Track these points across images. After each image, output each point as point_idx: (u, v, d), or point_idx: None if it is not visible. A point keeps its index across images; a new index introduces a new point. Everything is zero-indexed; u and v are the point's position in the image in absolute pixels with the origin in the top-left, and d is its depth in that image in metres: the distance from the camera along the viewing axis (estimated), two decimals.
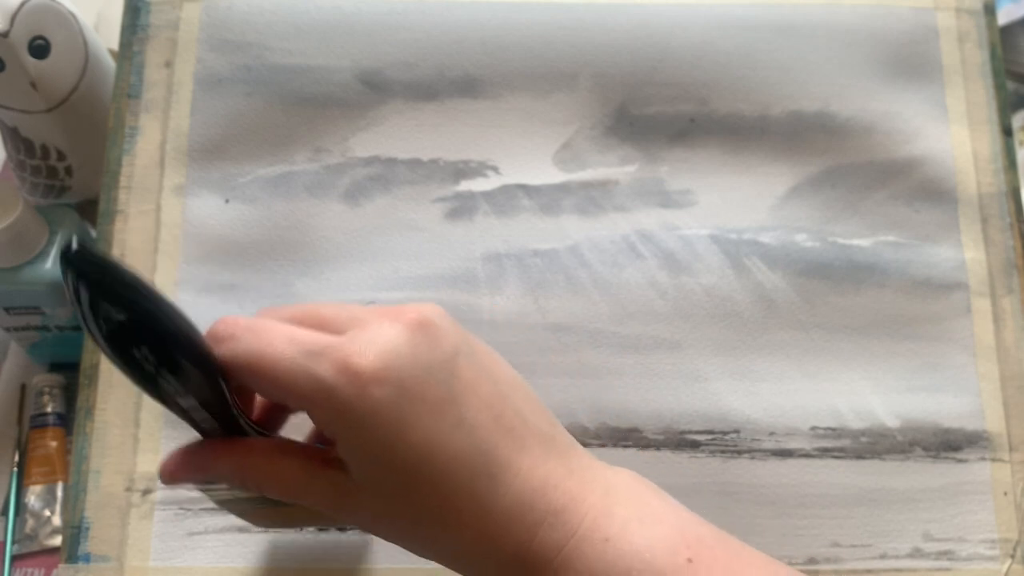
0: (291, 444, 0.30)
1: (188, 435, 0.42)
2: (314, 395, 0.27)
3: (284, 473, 0.29)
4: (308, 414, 0.28)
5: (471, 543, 0.28)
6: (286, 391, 0.27)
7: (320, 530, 0.40)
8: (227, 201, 0.44)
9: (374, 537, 0.40)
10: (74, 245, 0.23)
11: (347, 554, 0.40)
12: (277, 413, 0.33)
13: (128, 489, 0.41)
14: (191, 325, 0.27)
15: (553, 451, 0.29)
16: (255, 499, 0.32)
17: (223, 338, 0.28)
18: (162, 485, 0.41)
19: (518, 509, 0.28)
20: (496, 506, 0.27)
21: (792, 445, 0.41)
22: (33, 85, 0.48)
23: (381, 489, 0.28)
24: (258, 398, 0.33)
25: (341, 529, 0.40)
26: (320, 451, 0.30)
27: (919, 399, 0.42)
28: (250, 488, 0.30)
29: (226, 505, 0.34)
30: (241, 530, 0.40)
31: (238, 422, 0.30)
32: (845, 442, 0.42)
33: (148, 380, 0.26)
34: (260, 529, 0.40)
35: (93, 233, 0.49)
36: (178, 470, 0.30)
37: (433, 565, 0.39)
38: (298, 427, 0.33)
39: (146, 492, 0.41)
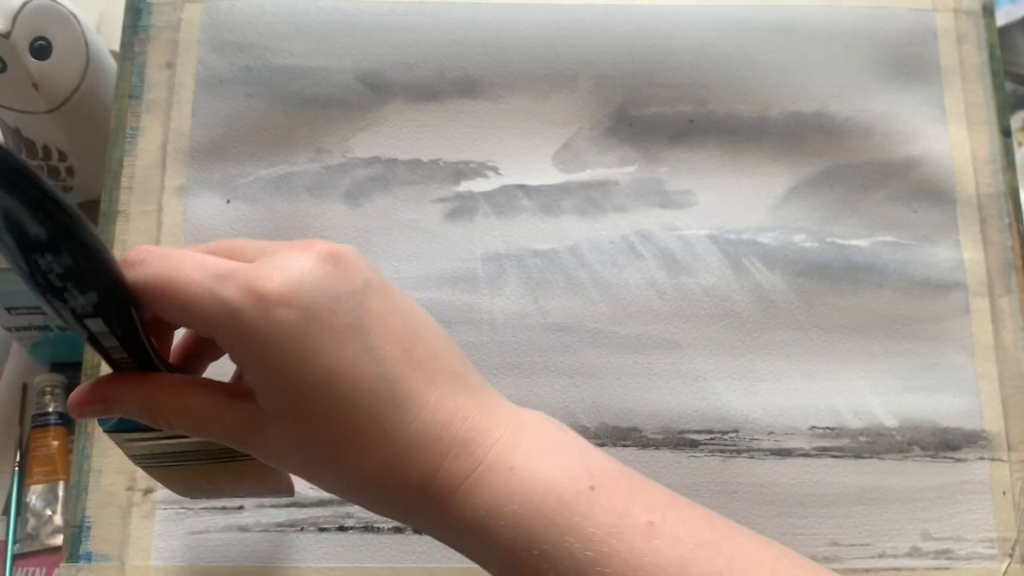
0: (201, 379, 0.30)
1: None
2: (219, 317, 0.27)
3: (192, 405, 0.29)
4: (216, 340, 0.28)
5: (376, 472, 0.28)
6: (193, 314, 0.27)
7: (321, 530, 0.40)
8: (228, 201, 0.45)
9: (375, 537, 0.40)
10: None
11: (348, 553, 0.40)
12: (196, 358, 0.33)
13: (129, 488, 0.41)
14: (102, 243, 0.27)
15: (463, 388, 0.29)
16: (174, 455, 0.32)
17: (134, 263, 0.28)
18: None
19: (424, 439, 0.28)
20: (401, 435, 0.28)
21: (791, 444, 0.42)
22: (35, 86, 0.48)
23: (286, 415, 0.28)
24: (177, 343, 0.33)
25: (341, 528, 0.40)
26: (230, 385, 0.30)
27: (918, 399, 0.43)
28: (158, 423, 0.29)
29: (145, 463, 0.34)
30: (242, 529, 0.40)
31: (151, 358, 0.29)
32: (844, 441, 0.42)
33: (56, 295, 0.26)
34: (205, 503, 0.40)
35: None
36: (87, 402, 0.30)
37: (434, 564, 0.40)
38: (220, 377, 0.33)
39: (147, 491, 0.41)
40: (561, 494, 0.27)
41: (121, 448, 0.33)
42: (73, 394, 0.30)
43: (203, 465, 0.33)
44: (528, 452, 0.28)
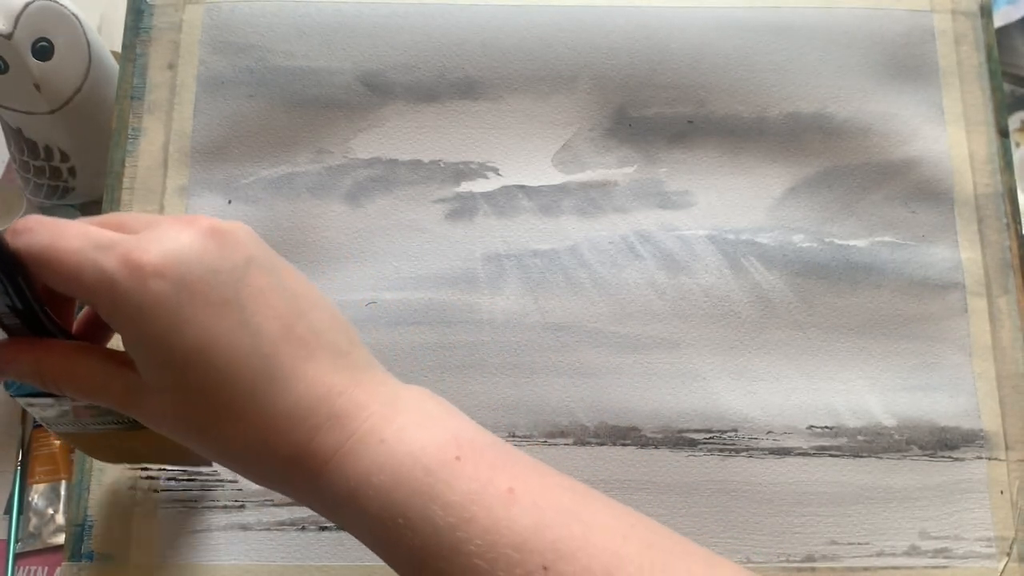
0: (91, 346, 0.31)
1: None
2: (96, 285, 0.27)
3: (81, 371, 0.30)
4: (94, 307, 0.28)
5: (250, 443, 0.28)
6: (72, 281, 0.28)
7: (323, 529, 0.41)
8: (230, 202, 0.45)
9: None
10: None
11: (349, 552, 0.40)
12: (97, 331, 0.34)
13: (131, 487, 0.41)
14: None
15: (344, 364, 0.30)
16: (84, 422, 0.33)
17: (21, 231, 0.28)
18: (167, 481, 0.41)
19: (298, 412, 0.28)
20: (276, 408, 0.28)
21: (789, 444, 0.42)
22: (37, 87, 0.48)
23: (163, 385, 0.28)
24: (81, 318, 0.33)
25: (341, 528, 0.40)
26: (118, 352, 0.30)
27: (916, 398, 0.43)
28: (48, 386, 0.30)
29: (59, 427, 0.35)
30: (244, 528, 0.41)
31: (44, 324, 0.30)
32: (842, 441, 0.42)
33: None
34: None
35: None
36: None
37: None
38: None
39: (149, 490, 0.41)
40: (427, 464, 0.28)
41: (31, 413, 0.34)
42: None
43: (112, 431, 0.33)
44: (401, 425, 0.29)
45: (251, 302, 0.28)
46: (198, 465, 0.38)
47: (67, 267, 0.28)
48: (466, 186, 0.45)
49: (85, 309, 0.33)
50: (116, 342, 0.33)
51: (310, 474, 0.29)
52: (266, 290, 0.29)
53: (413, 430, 0.29)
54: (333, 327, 0.30)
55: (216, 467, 0.41)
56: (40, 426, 0.52)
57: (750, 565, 0.40)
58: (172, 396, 0.28)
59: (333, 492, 0.28)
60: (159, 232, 0.28)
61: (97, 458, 0.37)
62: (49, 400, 0.33)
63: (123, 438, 0.34)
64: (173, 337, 0.27)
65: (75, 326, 0.33)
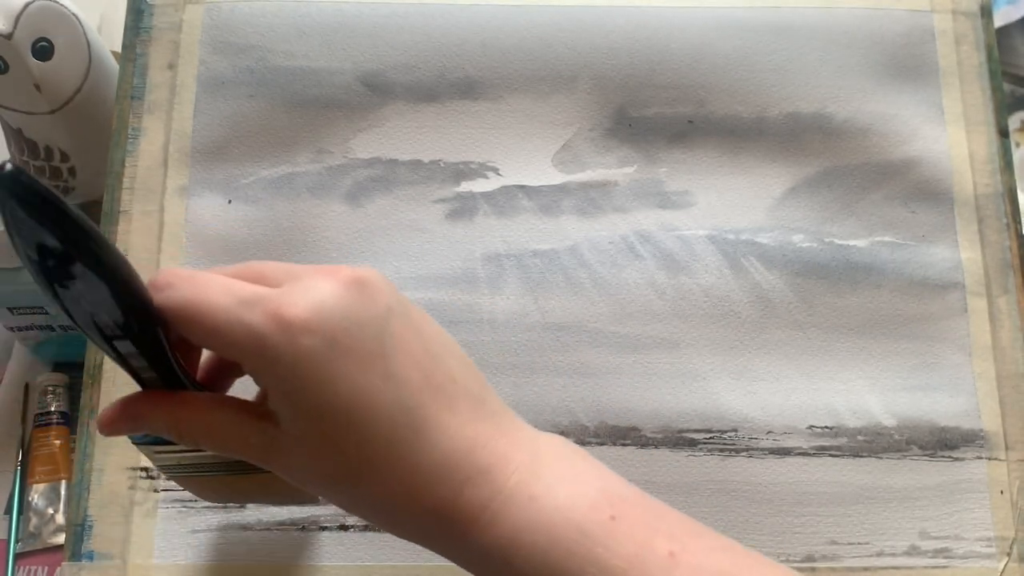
0: (227, 398, 0.30)
1: None
2: (245, 343, 0.27)
3: (217, 425, 0.29)
4: (241, 364, 0.28)
5: (396, 498, 0.28)
6: (219, 339, 0.27)
7: (322, 529, 0.41)
8: (230, 202, 0.45)
9: (376, 535, 0.40)
10: (8, 167, 0.23)
11: (349, 552, 0.40)
12: (222, 375, 0.33)
13: (131, 487, 0.41)
14: (130, 268, 0.27)
15: (483, 412, 0.29)
16: (202, 466, 0.32)
17: (161, 286, 0.28)
18: (166, 482, 0.41)
19: (444, 466, 0.28)
20: (421, 462, 0.28)
21: (789, 444, 0.42)
22: (37, 87, 0.48)
23: (308, 440, 0.28)
24: (204, 361, 0.33)
25: (342, 527, 0.41)
26: (255, 405, 0.30)
27: (916, 398, 0.43)
28: (185, 441, 0.30)
29: (173, 472, 0.34)
30: (243, 528, 0.41)
31: (177, 375, 0.30)
32: (842, 441, 0.42)
33: (85, 318, 0.26)
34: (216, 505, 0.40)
35: None
36: (115, 420, 0.30)
37: (434, 563, 0.40)
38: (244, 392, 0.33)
39: (149, 490, 0.41)
40: (581, 524, 0.27)
41: (149, 459, 0.34)
42: (102, 413, 0.30)
43: (229, 476, 0.33)
44: (549, 481, 0.28)
45: (394, 353, 0.28)
46: (303, 504, 0.38)
47: (213, 324, 0.27)
48: (466, 186, 0.45)
49: (207, 356, 0.33)
50: (238, 388, 0.33)
51: (458, 531, 0.28)
52: (406, 339, 0.28)
53: (562, 486, 0.28)
54: (466, 372, 0.30)
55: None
56: (39, 426, 0.52)
57: None
58: (317, 451, 0.28)
59: (482, 550, 0.28)
60: (303, 285, 0.28)
61: (202, 497, 0.37)
62: (172, 448, 0.32)
63: (236, 480, 0.33)
64: (323, 393, 0.27)
65: (198, 372, 0.33)
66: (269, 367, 0.27)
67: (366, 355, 0.27)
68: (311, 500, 0.36)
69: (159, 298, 0.28)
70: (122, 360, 0.29)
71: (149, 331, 0.28)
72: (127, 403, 0.30)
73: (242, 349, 0.27)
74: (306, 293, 0.27)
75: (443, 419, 0.28)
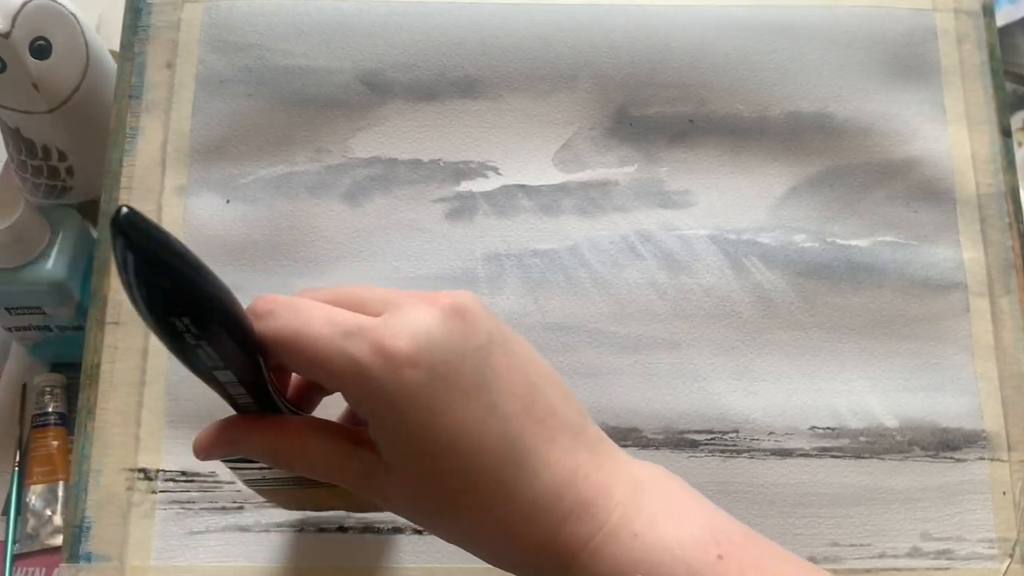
0: (323, 423, 0.30)
1: (189, 435, 0.42)
2: (349, 375, 0.27)
3: (315, 451, 0.29)
4: (342, 394, 0.28)
5: (497, 531, 0.28)
6: (322, 369, 0.27)
7: (321, 530, 0.40)
8: (228, 201, 0.45)
9: (374, 537, 0.40)
10: (123, 210, 0.23)
11: (348, 553, 0.40)
12: (311, 393, 0.33)
13: (129, 488, 0.41)
14: (234, 299, 0.27)
15: (583, 443, 0.29)
16: (285, 480, 0.32)
17: (262, 314, 0.28)
18: (166, 482, 0.41)
19: (546, 500, 0.28)
20: (524, 495, 0.27)
21: (791, 445, 0.42)
22: (35, 86, 0.48)
23: (410, 472, 0.28)
24: (293, 378, 0.33)
25: (341, 529, 0.40)
26: (352, 431, 0.30)
27: (918, 399, 0.42)
28: (281, 465, 0.30)
29: (255, 485, 0.35)
30: (242, 529, 0.40)
31: (273, 399, 0.30)
32: (844, 442, 0.42)
33: (188, 352, 0.26)
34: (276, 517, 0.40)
35: (94, 233, 0.49)
36: (211, 445, 0.30)
37: (434, 564, 0.40)
38: (329, 407, 0.33)
39: (150, 491, 0.41)
40: (689, 563, 0.27)
41: (233, 473, 0.34)
42: (198, 437, 0.30)
43: (312, 489, 0.33)
44: (652, 516, 0.28)
45: (496, 384, 0.28)
46: (381, 511, 0.38)
47: (315, 355, 0.27)
48: (466, 185, 0.45)
49: (296, 377, 0.33)
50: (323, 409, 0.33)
51: (560, 565, 0.28)
52: (507, 368, 0.28)
53: (666, 522, 0.28)
54: (565, 400, 0.30)
55: (214, 468, 0.41)
56: (37, 427, 0.52)
57: None
58: (418, 483, 0.28)
59: None
60: (405, 315, 0.27)
61: (280, 506, 0.37)
62: (255, 464, 0.32)
63: (320, 494, 0.33)
64: (427, 427, 0.27)
65: (288, 390, 0.33)
66: (372, 399, 0.27)
67: (469, 387, 0.27)
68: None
69: (260, 327, 0.28)
70: (219, 387, 0.29)
71: (250, 361, 0.28)
72: (225, 428, 0.30)
73: (345, 381, 0.27)
74: (408, 324, 0.27)
75: (545, 451, 0.28)
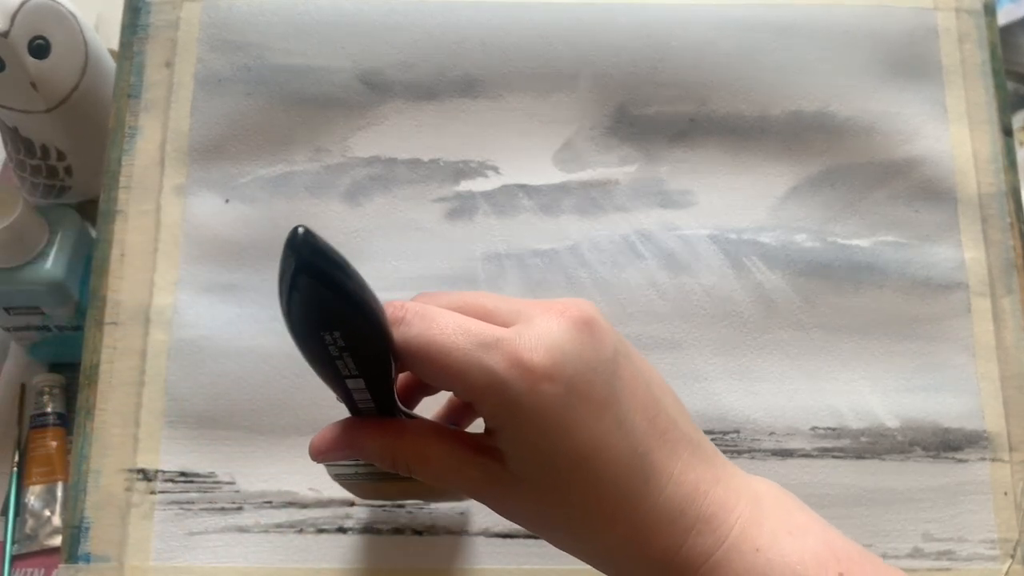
0: (444, 429, 0.30)
1: (188, 435, 0.42)
2: (486, 387, 0.27)
3: (436, 458, 0.29)
4: (474, 404, 0.28)
5: (621, 545, 0.28)
6: (457, 380, 0.27)
7: (320, 531, 0.40)
8: (227, 201, 0.44)
9: (374, 538, 0.40)
10: (299, 229, 0.23)
11: (347, 554, 0.40)
12: (414, 392, 0.33)
13: (128, 489, 0.41)
14: (382, 310, 0.27)
15: (701, 456, 0.29)
16: (379, 475, 0.32)
17: (393, 322, 0.28)
18: (165, 483, 0.41)
19: (669, 514, 0.28)
20: (648, 509, 0.28)
21: (792, 445, 0.42)
22: (33, 85, 0.48)
23: (538, 484, 0.28)
24: (399, 378, 0.33)
25: (340, 530, 0.40)
26: (473, 437, 0.30)
27: (919, 399, 0.42)
28: (399, 469, 0.30)
29: (342, 479, 0.35)
30: (241, 530, 0.40)
31: (392, 403, 0.30)
32: (845, 442, 0.42)
33: (327, 362, 0.27)
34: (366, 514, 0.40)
35: (93, 233, 0.49)
36: (332, 447, 0.30)
37: (433, 565, 0.40)
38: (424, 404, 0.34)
39: (149, 491, 0.41)
40: None
41: (327, 469, 0.34)
42: (317, 439, 0.30)
43: (401, 482, 0.33)
44: (773, 532, 0.28)
45: (624, 397, 0.28)
46: (459, 500, 0.38)
47: (451, 365, 0.27)
48: (466, 185, 0.45)
49: (402, 376, 0.33)
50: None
51: None
52: (632, 382, 0.28)
53: (786, 538, 0.28)
54: (681, 411, 0.30)
55: (213, 469, 0.41)
56: (37, 427, 0.52)
57: None
58: (544, 495, 0.28)
59: None
60: (538, 327, 0.27)
61: (364, 498, 0.37)
62: (354, 462, 0.32)
63: (407, 486, 0.33)
64: (562, 441, 0.27)
65: (440, 412, 0.33)
66: (508, 412, 0.27)
67: (600, 401, 0.27)
68: (463, 497, 0.36)
69: (394, 334, 0.28)
70: (344, 392, 0.29)
71: (384, 370, 0.28)
72: (344, 431, 0.30)
73: (481, 393, 0.27)
74: (543, 337, 0.27)
75: (668, 465, 0.28)
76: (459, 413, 0.34)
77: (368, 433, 0.30)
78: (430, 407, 0.34)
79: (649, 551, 0.28)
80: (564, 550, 0.30)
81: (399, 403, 0.30)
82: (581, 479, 0.27)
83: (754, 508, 0.29)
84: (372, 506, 0.40)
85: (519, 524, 0.30)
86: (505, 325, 0.28)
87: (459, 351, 0.27)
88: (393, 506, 0.40)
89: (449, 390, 0.29)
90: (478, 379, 0.27)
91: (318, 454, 0.30)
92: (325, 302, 0.24)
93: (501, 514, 0.30)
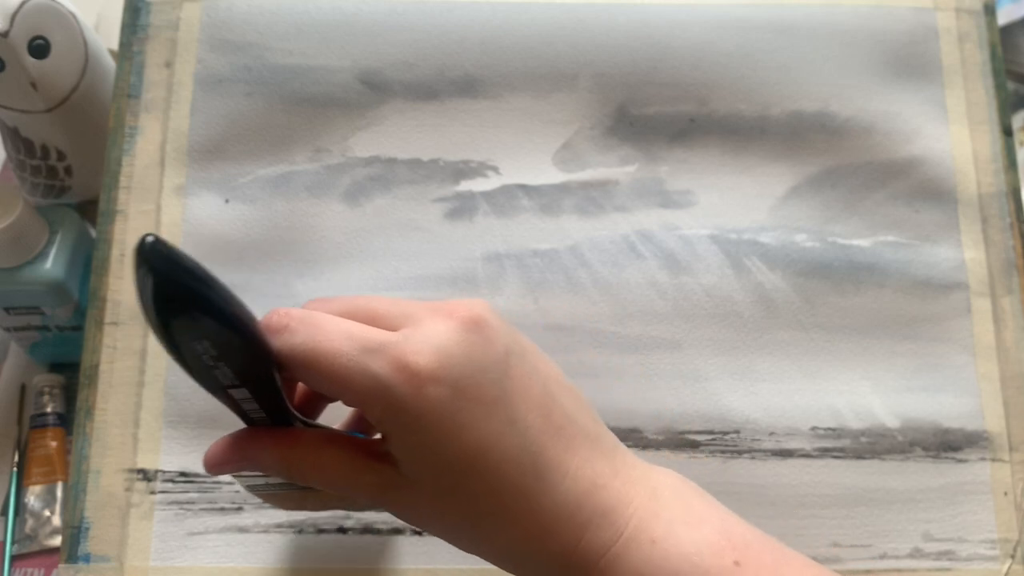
0: (338, 435, 0.30)
1: (188, 435, 0.42)
2: (371, 393, 0.27)
3: (330, 465, 0.29)
4: (363, 410, 0.28)
5: (518, 542, 0.28)
6: (342, 387, 0.27)
7: (320, 531, 0.40)
8: (227, 201, 0.44)
9: (374, 538, 0.40)
10: (149, 239, 0.23)
11: (347, 554, 0.40)
12: (316, 401, 0.33)
13: (128, 489, 0.41)
14: (252, 318, 0.27)
15: (599, 450, 0.29)
16: (289, 484, 0.32)
17: (278, 329, 0.28)
18: (164, 483, 0.41)
19: (566, 509, 0.28)
20: (544, 506, 0.28)
21: (792, 445, 0.41)
22: (33, 85, 0.48)
23: (431, 486, 0.28)
24: (299, 387, 0.33)
25: (340, 531, 0.40)
26: (367, 443, 0.30)
27: (919, 399, 0.42)
28: (295, 479, 0.30)
29: (255, 490, 0.34)
30: (241, 530, 0.40)
31: (285, 412, 0.30)
32: (845, 442, 0.42)
33: (204, 372, 0.26)
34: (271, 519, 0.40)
35: (93, 233, 0.49)
36: (225, 460, 0.30)
37: (433, 565, 0.40)
38: (332, 413, 0.33)
39: (149, 492, 0.41)
40: (707, 569, 0.27)
41: (236, 480, 0.34)
42: (209, 452, 0.30)
43: (314, 491, 0.33)
44: (670, 522, 0.28)
45: (515, 396, 0.28)
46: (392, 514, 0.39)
47: (335, 371, 0.27)
48: (466, 185, 0.45)
49: (303, 386, 0.32)
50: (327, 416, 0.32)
51: (580, 573, 0.28)
52: (525, 380, 0.28)
53: (683, 528, 0.28)
54: (580, 408, 0.30)
55: None
56: (36, 427, 0.52)
57: None
58: (438, 496, 0.28)
59: None
60: (424, 330, 0.27)
61: (281, 508, 0.37)
62: (258, 474, 0.32)
63: (317, 494, 0.33)
64: (451, 443, 0.27)
65: (347, 420, 0.33)
66: (395, 417, 0.27)
67: (490, 401, 0.27)
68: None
69: (277, 343, 0.28)
70: (232, 402, 0.28)
71: (266, 378, 0.28)
72: (237, 442, 0.30)
73: (366, 398, 0.27)
74: (429, 339, 0.27)
75: (564, 461, 0.28)
76: (364, 420, 0.34)
77: (261, 444, 0.30)
78: (339, 415, 0.33)
79: (548, 547, 0.28)
80: (466, 551, 0.30)
81: (295, 411, 0.30)
82: (473, 480, 0.27)
83: (652, 500, 0.29)
84: (298, 515, 0.40)
85: (420, 527, 0.30)
86: (394, 329, 0.28)
87: (343, 357, 0.27)
88: (317, 517, 0.40)
89: (337, 398, 0.28)
90: (363, 385, 0.27)
91: (211, 467, 0.30)
92: (184, 311, 0.24)
93: (402, 519, 0.30)
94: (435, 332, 0.27)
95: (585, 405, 0.30)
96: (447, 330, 0.27)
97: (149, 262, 0.23)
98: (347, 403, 0.28)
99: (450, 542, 0.30)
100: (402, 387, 0.26)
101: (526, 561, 0.29)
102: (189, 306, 0.24)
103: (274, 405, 0.29)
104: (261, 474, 0.32)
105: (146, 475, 0.41)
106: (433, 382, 0.26)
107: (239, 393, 0.28)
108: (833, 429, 0.42)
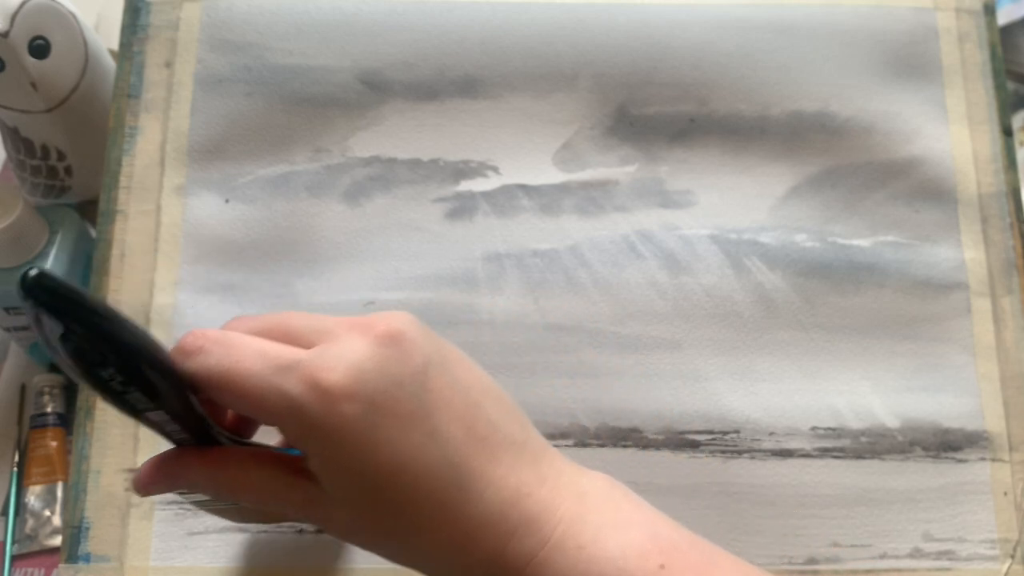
0: (264, 453, 0.30)
1: None
2: (283, 412, 0.27)
3: (256, 482, 0.29)
4: (279, 429, 0.28)
5: (443, 553, 0.28)
6: (255, 407, 0.27)
7: (320, 531, 0.40)
8: (227, 201, 0.44)
9: None
10: (31, 272, 0.23)
11: (347, 554, 0.40)
12: (250, 419, 0.33)
13: (128, 489, 0.41)
14: (154, 342, 0.27)
15: (525, 458, 0.29)
16: (237, 504, 0.33)
17: (192, 351, 0.28)
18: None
19: (490, 519, 0.28)
20: (468, 517, 0.28)
21: (792, 445, 0.41)
22: (33, 85, 0.48)
23: (351, 502, 0.28)
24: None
25: None
26: (292, 460, 0.29)
27: (919, 399, 0.42)
28: (224, 497, 0.30)
29: (201, 507, 0.35)
30: (241, 530, 0.40)
31: (209, 432, 0.30)
32: (845, 442, 0.42)
33: (117, 397, 0.26)
34: (241, 527, 0.40)
35: (93, 233, 0.49)
36: (152, 482, 0.30)
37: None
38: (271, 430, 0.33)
39: None
40: (631, 573, 0.27)
41: (181, 497, 0.34)
42: (137, 474, 0.30)
43: (250, 507, 0.33)
44: (597, 527, 0.28)
45: (435, 409, 0.28)
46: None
47: (248, 393, 0.27)
48: (466, 185, 0.45)
49: None
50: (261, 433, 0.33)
51: None
52: (445, 392, 0.28)
53: (610, 532, 0.28)
54: (506, 415, 0.30)
55: None
56: (36, 427, 0.52)
57: None
58: (360, 511, 0.28)
59: None
60: (338, 347, 0.27)
61: (234, 521, 0.37)
62: None
63: (253, 509, 0.34)
64: (368, 459, 0.27)
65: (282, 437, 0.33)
66: (309, 435, 0.27)
67: (407, 416, 0.27)
68: None
69: (191, 365, 0.28)
70: (154, 425, 0.28)
71: (180, 400, 0.28)
72: (163, 463, 0.30)
73: (279, 417, 0.27)
74: (342, 356, 0.27)
75: (487, 471, 0.28)
76: None
77: (188, 463, 0.30)
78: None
79: (471, 555, 0.28)
80: (395, 562, 0.30)
81: (221, 430, 0.30)
82: (393, 494, 0.27)
83: (579, 505, 0.29)
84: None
85: (346, 541, 0.30)
86: (310, 345, 0.28)
87: (256, 377, 0.27)
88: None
89: (254, 417, 0.28)
90: (276, 404, 0.26)
91: (141, 488, 0.30)
92: (73, 335, 0.24)
93: (330, 533, 0.30)
94: (349, 348, 0.27)
95: (513, 411, 0.30)
96: (362, 346, 0.27)
97: (34, 294, 0.23)
98: (263, 422, 0.28)
99: (381, 555, 0.30)
100: (314, 405, 0.26)
101: (448, 569, 0.29)
102: (90, 336, 0.24)
103: (196, 426, 0.29)
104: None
105: None
106: (346, 399, 0.26)
107: (157, 416, 0.28)
108: (833, 429, 0.42)
